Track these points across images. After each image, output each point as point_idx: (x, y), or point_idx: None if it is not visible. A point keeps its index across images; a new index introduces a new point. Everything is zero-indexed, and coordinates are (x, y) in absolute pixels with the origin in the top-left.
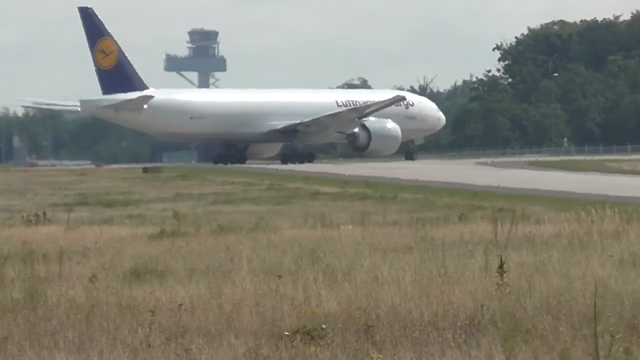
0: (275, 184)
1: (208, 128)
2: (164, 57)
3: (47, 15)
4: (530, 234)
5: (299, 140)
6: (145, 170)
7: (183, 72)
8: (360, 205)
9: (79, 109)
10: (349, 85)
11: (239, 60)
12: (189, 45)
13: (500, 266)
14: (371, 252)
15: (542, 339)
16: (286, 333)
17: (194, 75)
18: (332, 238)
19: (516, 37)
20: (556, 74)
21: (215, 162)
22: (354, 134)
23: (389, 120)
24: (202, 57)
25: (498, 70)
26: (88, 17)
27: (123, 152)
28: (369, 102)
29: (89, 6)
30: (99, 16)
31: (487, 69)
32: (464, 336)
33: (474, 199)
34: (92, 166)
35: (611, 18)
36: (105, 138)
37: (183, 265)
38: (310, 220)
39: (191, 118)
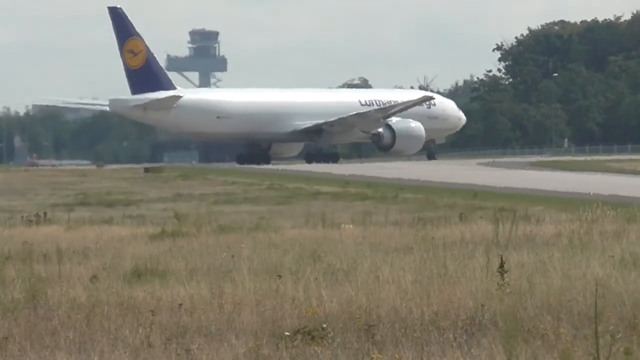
0: (276, 184)
1: (234, 127)
2: (165, 57)
3: (48, 15)
4: (531, 234)
5: (324, 140)
6: (146, 170)
7: (184, 72)
8: (361, 205)
9: (108, 108)
10: (349, 85)
11: (240, 60)
12: (190, 45)
13: (501, 266)
14: (372, 252)
15: (542, 338)
16: (287, 333)
17: (194, 75)
18: (332, 238)
19: (517, 38)
20: (556, 74)
21: (239, 162)
22: (378, 133)
23: (413, 120)
24: (203, 57)
25: (499, 70)
26: (117, 17)
27: (124, 152)
28: (390, 102)
29: (118, 6)
30: (128, 16)
31: (488, 69)
32: (464, 336)
33: (474, 199)
34: (93, 166)
35: (612, 18)
36: (106, 138)
37: (184, 265)
38: (311, 220)
39: (218, 117)
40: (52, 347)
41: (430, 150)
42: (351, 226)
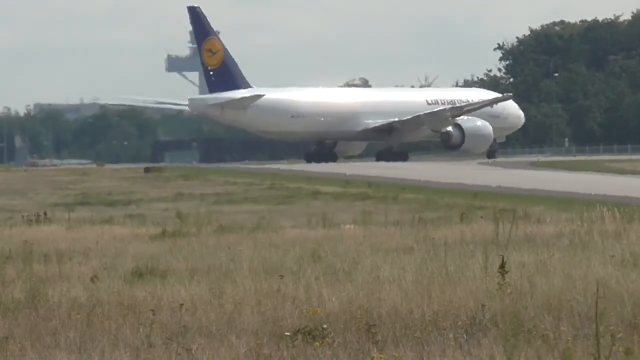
0: (277, 183)
1: (307, 126)
2: (165, 57)
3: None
4: (531, 234)
5: (394, 139)
6: (146, 169)
7: (184, 72)
8: (361, 205)
9: (188, 108)
10: (349, 85)
11: (240, 60)
12: (190, 45)
13: (502, 266)
14: (372, 252)
15: (543, 338)
16: (287, 333)
17: (194, 75)
18: (333, 238)
19: (517, 37)
20: (557, 74)
21: (307, 160)
22: (447, 132)
23: (480, 118)
24: None
25: (499, 70)
26: (196, 17)
27: (124, 151)
28: (454, 101)
29: (197, 5)
30: (206, 16)
31: (489, 69)
32: (465, 336)
33: (475, 199)
34: (94, 166)
35: (612, 18)
36: (107, 137)
37: (184, 265)
38: (312, 220)
39: (292, 117)
40: (53, 346)
41: (491, 148)
42: (352, 226)
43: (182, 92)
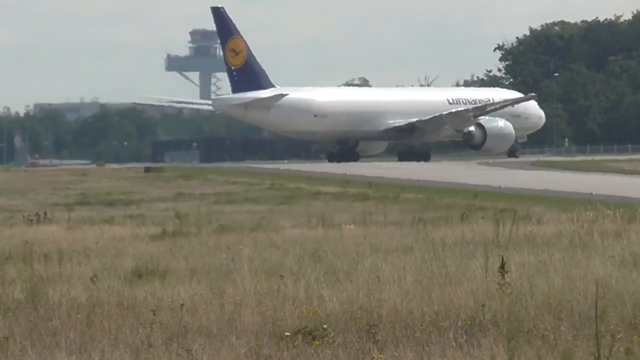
0: (277, 183)
1: (330, 126)
2: (165, 57)
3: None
4: (531, 234)
5: (416, 138)
6: (147, 169)
7: (184, 72)
8: (361, 206)
9: (212, 107)
10: (349, 85)
11: None
12: (190, 45)
13: (502, 266)
14: (373, 252)
15: (543, 338)
16: (287, 333)
17: (195, 75)
18: (333, 238)
19: (517, 38)
20: (557, 74)
21: (330, 160)
22: (469, 132)
23: (502, 118)
24: (204, 57)
25: (499, 70)
26: (220, 17)
27: (124, 151)
28: (476, 100)
29: (221, 6)
30: (230, 16)
31: (489, 69)
32: (465, 336)
33: (475, 199)
34: (94, 166)
35: (612, 18)
36: (107, 138)
37: (184, 265)
38: (312, 220)
39: (315, 116)
40: (53, 347)
41: (512, 148)
42: (352, 226)
43: (182, 91)
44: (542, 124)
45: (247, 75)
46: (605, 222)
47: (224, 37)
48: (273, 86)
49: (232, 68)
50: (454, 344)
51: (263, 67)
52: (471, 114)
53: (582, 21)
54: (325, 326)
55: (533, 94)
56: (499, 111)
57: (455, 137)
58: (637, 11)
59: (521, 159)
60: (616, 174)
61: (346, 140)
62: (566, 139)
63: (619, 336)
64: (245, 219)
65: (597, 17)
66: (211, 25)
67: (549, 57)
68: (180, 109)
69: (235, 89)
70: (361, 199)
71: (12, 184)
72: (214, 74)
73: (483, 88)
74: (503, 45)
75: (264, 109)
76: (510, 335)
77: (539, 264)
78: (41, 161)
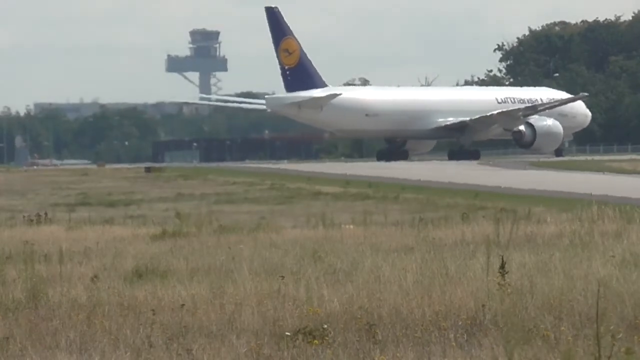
0: (277, 183)
1: (381, 125)
2: (166, 57)
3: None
4: (531, 234)
5: (466, 137)
6: (147, 169)
7: (184, 73)
8: (361, 205)
9: (265, 107)
10: (349, 85)
11: (240, 61)
12: (190, 45)
13: (502, 266)
14: (373, 252)
15: (543, 339)
16: (288, 333)
17: (195, 76)
18: (333, 238)
19: (517, 38)
20: (557, 74)
21: (379, 159)
22: (520, 131)
23: (550, 117)
24: (204, 57)
25: (499, 70)
26: (273, 17)
27: (125, 151)
28: (523, 100)
29: (275, 6)
30: (283, 16)
31: (489, 69)
32: (465, 336)
33: (475, 199)
34: (94, 166)
35: (612, 19)
36: (107, 137)
37: (185, 265)
38: (312, 220)
39: (366, 115)
40: (53, 347)
41: (559, 147)
42: (352, 226)
43: (182, 92)
44: (588, 122)
45: (300, 74)
46: (606, 222)
47: (277, 37)
48: (325, 85)
49: (285, 68)
50: (455, 344)
51: (264, 67)
52: (521, 113)
53: (582, 21)
54: (326, 326)
55: (585, 93)
56: (547, 110)
57: (504, 136)
58: (637, 11)
59: (521, 158)
60: (616, 174)
61: (395, 139)
62: (566, 139)
63: (619, 336)
64: (245, 219)
65: (597, 18)
66: (211, 26)
67: (549, 57)
68: (181, 109)
69: (288, 89)
70: (361, 199)
71: (13, 184)
72: (214, 74)
73: (530, 87)
74: (503, 45)
75: (316, 108)
76: (510, 335)
77: (539, 264)
78: (41, 161)
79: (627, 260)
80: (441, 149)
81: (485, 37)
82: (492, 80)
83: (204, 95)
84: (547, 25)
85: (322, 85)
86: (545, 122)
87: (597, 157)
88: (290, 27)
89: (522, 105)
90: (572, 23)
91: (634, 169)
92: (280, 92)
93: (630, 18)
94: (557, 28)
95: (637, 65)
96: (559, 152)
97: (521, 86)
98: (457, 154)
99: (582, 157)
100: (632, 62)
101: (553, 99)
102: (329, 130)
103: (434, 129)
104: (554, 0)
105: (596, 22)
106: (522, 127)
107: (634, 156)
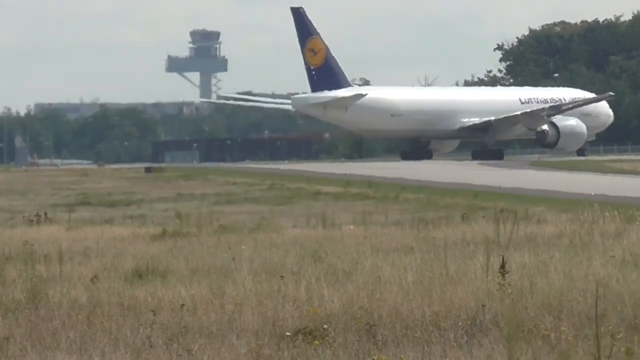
0: (277, 184)
1: (406, 125)
2: (166, 57)
3: (48, 15)
4: (531, 234)
5: (490, 137)
6: (147, 170)
7: (184, 73)
8: (362, 206)
9: (290, 107)
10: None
11: (241, 61)
12: (191, 45)
13: (502, 266)
14: (373, 252)
15: (543, 339)
16: (288, 333)
17: (195, 76)
18: (334, 238)
19: (517, 38)
20: (557, 75)
21: (403, 158)
22: (543, 131)
23: (574, 117)
24: (204, 57)
25: (499, 70)
26: (299, 17)
27: (125, 151)
28: (547, 99)
29: (301, 6)
30: (308, 17)
31: (489, 69)
32: (465, 336)
33: (475, 199)
34: (94, 166)
35: (612, 19)
36: (107, 137)
37: (185, 265)
38: (312, 220)
39: (392, 115)
40: (53, 347)
41: (581, 147)
42: (352, 226)
43: (182, 92)
44: (611, 122)
45: (326, 74)
46: (606, 222)
47: (302, 37)
48: (350, 85)
49: (311, 67)
50: (455, 344)
51: (264, 67)
52: (545, 113)
53: (582, 21)
54: (326, 326)
55: (611, 93)
56: (570, 110)
57: (527, 135)
58: (637, 11)
59: (521, 159)
60: (616, 174)
61: (419, 139)
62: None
63: (619, 336)
64: (245, 219)
65: (597, 18)
66: (211, 26)
67: (549, 57)
68: (181, 109)
69: (314, 88)
70: (361, 199)
71: (13, 184)
72: (214, 74)
73: (553, 87)
74: (503, 45)
75: (342, 108)
76: (510, 335)
77: (539, 264)
78: (41, 161)
79: (627, 260)
80: (465, 148)
81: (485, 37)
82: (491, 81)
83: (222, 94)
84: (547, 25)
85: (347, 85)
86: (568, 122)
87: (597, 157)
88: (316, 27)
89: (546, 105)
90: (572, 23)
91: (634, 169)
92: (281, 92)
93: (630, 18)
94: (557, 28)
95: (637, 65)
96: (581, 152)
97: (521, 86)
98: (480, 153)
99: (582, 157)
100: (632, 62)
101: (576, 98)
102: (354, 130)
103: (459, 129)
104: (554, 0)
105: (596, 22)
106: (545, 127)
107: (633, 156)
